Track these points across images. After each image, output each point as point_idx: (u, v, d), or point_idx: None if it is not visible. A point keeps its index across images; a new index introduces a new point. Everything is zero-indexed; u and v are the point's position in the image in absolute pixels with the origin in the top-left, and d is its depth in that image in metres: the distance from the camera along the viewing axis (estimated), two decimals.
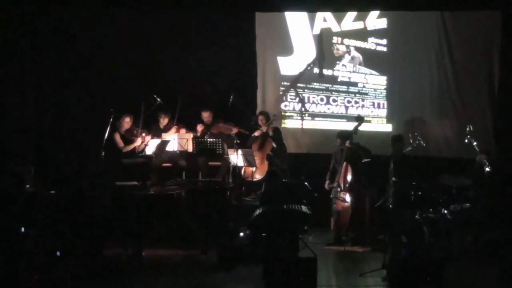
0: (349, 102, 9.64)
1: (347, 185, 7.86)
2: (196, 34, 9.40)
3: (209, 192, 7.96)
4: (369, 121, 9.44)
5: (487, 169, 7.57)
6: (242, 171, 8.64)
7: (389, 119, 9.56)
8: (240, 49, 9.50)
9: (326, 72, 9.63)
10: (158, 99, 8.72)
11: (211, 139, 8.55)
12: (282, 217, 6.56)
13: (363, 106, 9.61)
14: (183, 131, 8.78)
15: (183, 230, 7.51)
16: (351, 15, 9.50)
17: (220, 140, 8.49)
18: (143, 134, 8.53)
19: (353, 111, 9.52)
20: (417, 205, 7.09)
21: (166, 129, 8.83)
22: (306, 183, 7.85)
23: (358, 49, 9.57)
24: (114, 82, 9.19)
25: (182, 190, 7.69)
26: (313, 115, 9.70)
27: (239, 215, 7.49)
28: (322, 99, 9.67)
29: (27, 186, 7.46)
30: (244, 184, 8.68)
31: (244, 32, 9.51)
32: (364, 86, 9.61)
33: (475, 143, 7.78)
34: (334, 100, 9.66)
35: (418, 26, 9.38)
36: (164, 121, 8.88)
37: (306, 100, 9.67)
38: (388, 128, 9.55)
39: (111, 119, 8.35)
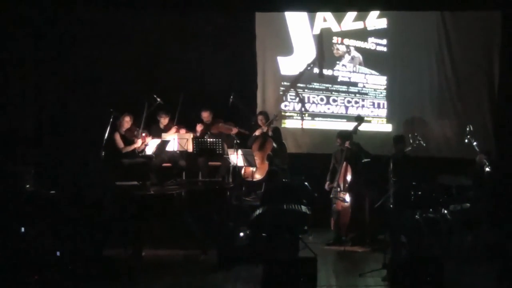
0: (349, 102, 9.64)
1: (347, 185, 7.86)
2: (196, 34, 9.40)
3: (209, 192, 7.95)
4: (369, 121, 9.45)
5: (487, 169, 7.57)
6: (242, 171, 8.65)
7: (389, 119, 9.56)
8: (240, 49, 9.50)
9: (326, 72, 9.63)
10: (158, 99, 8.72)
11: (211, 139, 8.55)
12: (282, 217, 6.57)
13: (363, 106, 9.61)
14: (183, 131, 8.78)
15: (183, 230, 7.51)
16: (351, 15, 9.50)
17: (220, 140, 8.48)
18: (143, 134, 8.53)
19: (353, 111, 9.52)
20: (417, 205, 7.09)
21: (166, 129, 8.83)
22: (306, 183, 7.86)
23: (358, 49, 9.57)
24: (114, 82, 9.18)
25: (182, 190, 7.68)
26: (313, 115, 9.70)
27: (239, 215, 7.48)
28: (322, 99, 9.67)
29: (27, 186, 7.46)
30: (244, 184, 8.68)
31: (244, 32, 9.50)
32: (364, 86, 9.61)
33: (475, 143, 7.78)
34: (334, 100, 9.66)
35: (418, 26, 9.39)
36: (164, 121, 8.88)
37: (306, 100, 9.67)
38: (388, 128, 9.55)
39: (111, 119, 8.34)
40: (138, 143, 8.53)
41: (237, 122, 8.98)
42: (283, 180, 7.91)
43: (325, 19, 9.58)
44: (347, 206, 7.83)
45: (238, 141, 8.52)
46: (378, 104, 9.60)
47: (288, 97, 9.71)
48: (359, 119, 8.16)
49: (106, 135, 8.28)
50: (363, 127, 8.34)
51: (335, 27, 9.57)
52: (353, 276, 6.46)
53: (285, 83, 9.69)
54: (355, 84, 9.62)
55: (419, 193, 7.12)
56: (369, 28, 9.52)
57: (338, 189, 7.94)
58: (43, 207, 6.89)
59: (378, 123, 9.59)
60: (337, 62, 9.62)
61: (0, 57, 8.93)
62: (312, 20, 9.58)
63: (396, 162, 7.11)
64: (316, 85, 9.66)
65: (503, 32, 9.10)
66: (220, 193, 7.96)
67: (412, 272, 5.92)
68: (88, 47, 9.26)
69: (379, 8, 9.40)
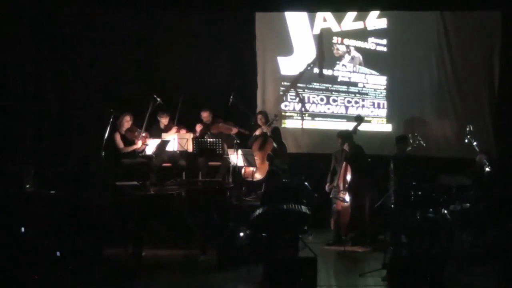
0: (349, 102, 9.64)
1: (346, 185, 7.86)
2: (196, 34, 9.40)
3: (209, 192, 7.95)
4: (369, 121, 9.45)
5: (487, 169, 7.57)
6: (242, 171, 8.65)
7: (389, 119, 9.56)
8: (240, 49, 9.50)
9: (326, 72, 9.63)
10: (158, 99, 8.71)
11: (211, 139, 8.55)
12: (282, 217, 6.56)
13: (363, 106, 9.61)
14: (183, 131, 8.78)
15: (183, 230, 7.51)
16: (351, 15, 9.51)
17: (220, 140, 8.48)
18: (143, 134, 8.53)
19: (353, 111, 9.52)
20: (417, 205, 7.09)
21: (167, 129, 8.83)
22: (306, 183, 7.86)
23: (358, 49, 9.58)
24: (114, 82, 9.18)
25: (182, 190, 7.68)
26: (313, 115, 9.70)
27: (239, 215, 7.48)
28: (322, 99, 9.67)
29: (27, 186, 7.45)
30: (244, 184, 8.68)
31: (244, 32, 9.51)
32: (364, 86, 9.61)
33: (475, 143, 7.79)
34: (334, 100, 9.66)
35: (418, 26, 9.39)
36: (164, 121, 8.88)
37: (306, 100, 9.67)
38: (388, 128, 9.55)
39: (111, 119, 8.34)
40: (138, 144, 8.54)
41: (237, 122, 8.98)
42: (283, 180, 7.90)
43: (325, 19, 9.59)
44: (347, 206, 7.83)
45: (238, 141, 8.52)
46: (378, 104, 9.60)
47: (288, 97, 9.71)
48: (359, 119, 8.17)
49: (106, 135, 8.27)
50: (363, 127, 8.35)
51: (335, 27, 9.58)
52: (353, 276, 6.46)
53: (285, 83, 9.69)
54: (355, 84, 9.62)
55: (419, 193, 7.12)
56: (369, 28, 9.52)
57: (338, 188, 7.94)
58: (43, 207, 6.88)
59: (378, 123, 9.59)
60: (337, 62, 9.62)
61: (0, 57, 8.92)
62: (312, 20, 9.58)
63: (399, 162, 7.12)
64: (316, 85, 9.66)
65: (503, 32, 9.11)
66: (220, 193, 7.95)
67: (412, 272, 5.92)
68: (88, 47, 9.26)
69: (379, 8, 9.40)
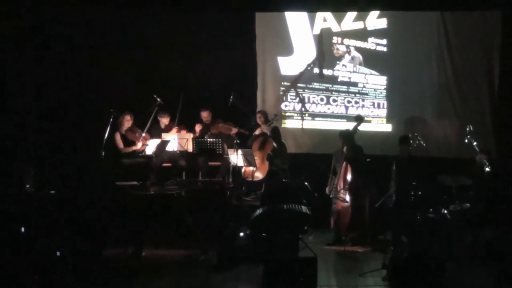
0: (349, 102, 9.65)
1: (346, 185, 7.86)
2: (196, 34, 9.40)
3: (209, 192, 7.95)
4: (369, 121, 9.45)
5: (487, 169, 7.56)
6: (242, 171, 8.65)
7: (389, 119, 9.56)
8: (240, 49, 9.50)
9: (326, 72, 9.64)
10: (158, 99, 8.71)
11: (211, 139, 8.55)
12: (282, 217, 6.56)
13: (363, 106, 9.61)
14: (184, 132, 8.78)
15: (183, 230, 7.51)
16: (351, 15, 9.51)
17: (220, 140, 8.48)
18: (143, 134, 8.53)
19: (353, 111, 9.52)
20: (417, 205, 7.08)
21: (167, 129, 8.83)
22: (306, 183, 7.85)
23: (358, 49, 9.58)
24: (114, 82, 9.18)
25: (182, 190, 7.69)
26: (313, 115, 9.70)
27: (239, 215, 7.48)
28: (322, 99, 9.67)
29: (27, 186, 7.46)
30: (244, 184, 8.68)
31: (244, 32, 9.51)
32: (364, 86, 9.61)
33: (475, 143, 7.78)
34: (334, 100, 9.66)
35: (418, 26, 9.39)
36: (165, 121, 8.88)
37: (306, 100, 9.68)
38: (388, 128, 9.55)
39: (111, 119, 8.34)
40: (138, 145, 8.54)
41: (237, 122, 8.99)
42: (283, 180, 7.91)
43: (325, 19, 9.59)
44: (347, 206, 7.83)
45: (238, 141, 8.52)
46: (378, 104, 9.60)
47: (288, 97, 9.72)
48: (359, 119, 8.16)
49: (106, 135, 8.27)
50: (363, 127, 8.35)
51: (335, 27, 9.58)
52: (353, 276, 6.46)
53: (285, 83, 9.69)
54: (355, 84, 9.63)
55: (420, 193, 7.11)
56: (369, 28, 9.52)
57: (338, 188, 7.94)
58: (43, 207, 6.88)
59: (378, 123, 9.59)
60: (337, 62, 9.62)
61: (0, 57, 8.92)
62: (312, 20, 9.58)
63: (401, 163, 7.11)
64: (316, 85, 9.67)
65: (503, 32, 9.11)
66: (220, 193, 7.96)
67: (412, 272, 5.92)
68: (89, 47, 9.25)
69: (379, 8, 9.40)
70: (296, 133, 9.69)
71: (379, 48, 9.55)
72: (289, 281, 5.89)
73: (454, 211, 7.21)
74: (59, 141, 9.11)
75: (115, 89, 9.14)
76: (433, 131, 9.34)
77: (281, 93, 9.69)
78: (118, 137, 8.58)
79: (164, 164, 8.69)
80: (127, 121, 8.62)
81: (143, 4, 9.25)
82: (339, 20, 9.55)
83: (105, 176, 7.90)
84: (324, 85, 9.65)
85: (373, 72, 9.58)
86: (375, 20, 9.50)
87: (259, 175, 8.67)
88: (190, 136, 8.64)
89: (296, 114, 9.72)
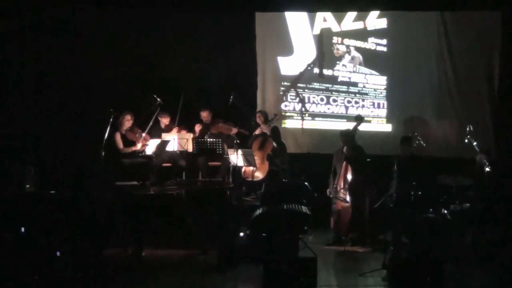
0: (349, 102, 9.65)
1: (347, 185, 7.86)
2: (196, 34, 9.40)
3: (209, 192, 7.95)
4: (369, 121, 9.45)
5: (487, 169, 7.55)
6: (242, 171, 8.65)
7: (389, 119, 9.56)
8: (240, 49, 9.50)
9: (326, 72, 9.64)
10: (158, 99, 8.71)
11: (211, 139, 8.55)
12: (282, 217, 6.56)
13: (363, 106, 9.61)
14: (184, 132, 8.78)
15: (183, 230, 7.51)
16: (351, 15, 9.51)
17: (220, 140, 8.49)
18: (143, 135, 8.53)
19: (353, 111, 9.52)
20: (417, 205, 7.08)
21: (167, 129, 8.84)
22: (306, 183, 7.85)
23: (358, 49, 9.58)
24: (114, 82, 9.18)
25: (182, 190, 7.68)
26: (313, 115, 9.70)
27: (239, 215, 7.48)
28: (322, 99, 9.67)
29: (27, 186, 7.46)
30: (244, 184, 8.69)
31: (244, 32, 9.51)
32: (364, 86, 9.61)
33: (475, 143, 7.78)
34: (334, 100, 9.66)
35: (418, 26, 9.39)
36: (165, 121, 8.88)
37: (306, 100, 9.68)
38: (388, 128, 9.55)
39: (111, 119, 8.34)
40: (138, 146, 8.54)
41: (237, 122, 8.99)
42: (283, 180, 7.90)
43: (325, 19, 9.59)
44: (347, 206, 7.82)
45: (238, 141, 8.52)
46: (378, 104, 9.60)
47: (288, 97, 9.72)
48: (359, 119, 8.16)
49: (106, 135, 8.27)
50: (363, 127, 8.34)
51: (335, 27, 9.58)
52: (353, 276, 6.45)
53: (285, 83, 9.69)
54: (355, 84, 9.63)
55: (420, 193, 7.11)
56: (369, 28, 9.52)
57: (338, 188, 7.94)
58: (43, 207, 6.88)
59: (378, 123, 9.59)
60: (337, 62, 9.62)
61: (0, 56, 8.92)
62: (312, 20, 9.58)
63: (402, 163, 7.10)
64: (316, 85, 9.67)
65: (503, 32, 9.11)
66: (220, 193, 7.95)
67: (412, 272, 5.92)
68: (89, 47, 9.25)
69: (379, 8, 9.40)
70: (296, 133, 9.70)
71: (379, 48, 9.55)
72: (289, 281, 5.88)
73: (454, 211, 7.21)
74: (59, 141, 9.11)
75: (115, 89, 9.15)
76: (433, 131, 9.34)
77: (281, 93, 9.69)
78: (118, 137, 8.58)
79: (164, 164, 8.70)
80: (127, 121, 8.63)
81: (143, 4, 9.24)
82: (339, 20, 9.55)
83: (105, 176, 7.90)
84: (324, 85, 9.65)
85: (373, 72, 9.58)
86: (375, 20, 9.50)
87: (259, 175, 8.67)
88: (190, 136, 8.65)
89: (296, 114, 9.72)
